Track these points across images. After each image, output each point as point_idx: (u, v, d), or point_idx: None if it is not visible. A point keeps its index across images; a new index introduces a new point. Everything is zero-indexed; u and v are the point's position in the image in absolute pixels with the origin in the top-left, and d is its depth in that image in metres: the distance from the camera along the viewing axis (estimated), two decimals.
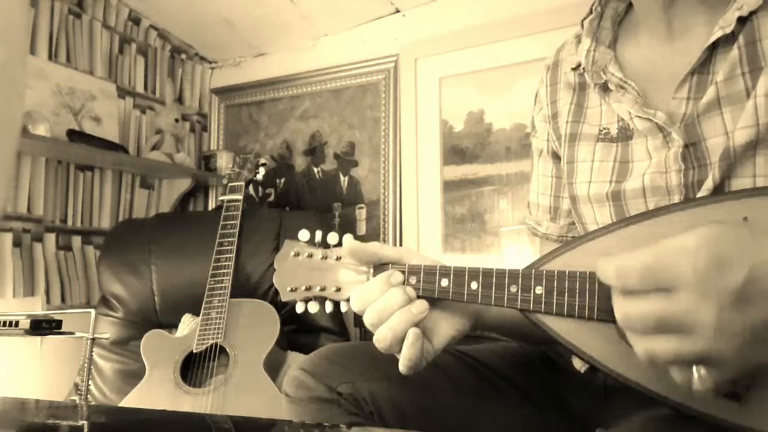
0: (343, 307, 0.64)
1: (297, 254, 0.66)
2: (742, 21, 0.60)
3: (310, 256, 0.66)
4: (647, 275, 0.44)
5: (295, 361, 1.32)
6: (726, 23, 0.60)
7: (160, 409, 1.14)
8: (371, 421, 0.71)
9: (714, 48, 0.62)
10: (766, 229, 0.49)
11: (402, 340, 0.58)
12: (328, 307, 0.65)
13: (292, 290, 0.66)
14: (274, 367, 1.45)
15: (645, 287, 0.44)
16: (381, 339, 0.59)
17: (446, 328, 0.63)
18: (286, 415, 0.73)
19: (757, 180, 0.58)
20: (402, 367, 0.59)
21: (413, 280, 0.61)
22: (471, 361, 0.79)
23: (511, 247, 1.73)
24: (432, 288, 0.60)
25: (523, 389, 0.78)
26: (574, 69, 0.77)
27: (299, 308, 0.66)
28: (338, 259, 0.64)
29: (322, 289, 0.64)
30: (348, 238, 0.63)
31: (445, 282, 0.60)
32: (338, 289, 0.64)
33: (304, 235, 0.66)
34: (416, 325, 0.58)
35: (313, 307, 0.65)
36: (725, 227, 0.45)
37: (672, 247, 0.44)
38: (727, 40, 0.61)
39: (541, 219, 0.86)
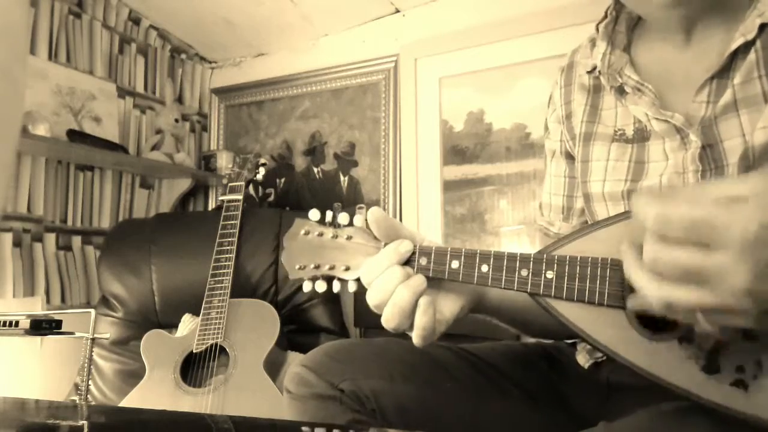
0: (351, 287, 0.64)
1: (307, 233, 0.66)
2: (761, 27, 0.60)
3: (321, 234, 0.65)
4: (691, 229, 0.43)
5: (295, 361, 1.32)
6: (747, 30, 0.60)
7: (160, 409, 1.14)
8: (373, 418, 0.71)
9: (734, 54, 0.62)
10: None
11: (409, 314, 0.58)
12: (336, 286, 0.64)
13: (300, 268, 0.65)
14: (274, 367, 1.45)
15: (685, 239, 0.43)
16: (389, 318, 0.59)
17: (455, 298, 0.64)
18: (287, 412, 0.73)
19: None
20: (416, 338, 0.59)
21: (424, 260, 0.61)
22: (473, 359, 0.79)
23: (511, 247, 1.73)
24: (442, 269, 0.60)
25: (525, 387, 0.78)
26: (589, 72, 0.77)
27: (306, 287, 0.65)
28: (349, 238, 0.64)
29: (331, 268, 0.64)
30: (360, 217, 0.64)
31: (455, 264, 0.60)
32: (347, 268, 0.63)
33: (314, 214, 0.66)
34: (422, 294, 0.58)
35: (321, 286, 0.64)
36: None
37: (725, 206, 0.42)
38: (747, 45, 0.61)
39: (553, 219, 0.86)
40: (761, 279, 0.41)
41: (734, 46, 0.61)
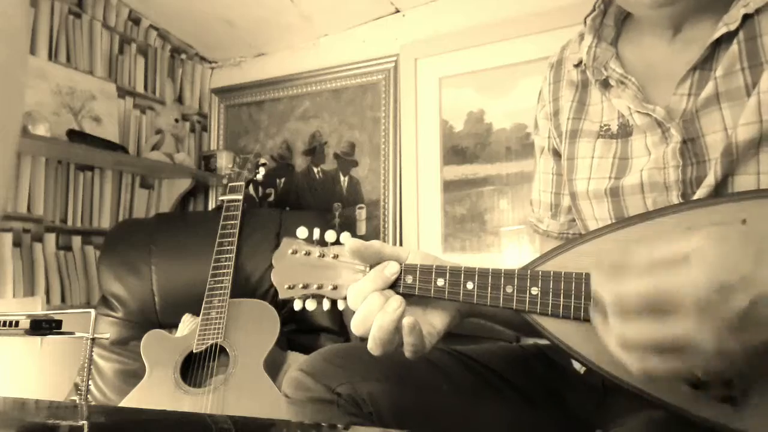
0: (341, 305, 0.64)
1: (295, 252, 0.66)
2: (744, 17, 0.59)
3: (308, 254, 0.66)
4: (646, 303, 0.43)
5: (295, 361, 1.32)
6: (731, 20, 0.60)
7: (160, 409, 1.14)
8: (370, 421, 0.71)
9: (717, 45, 0.62)
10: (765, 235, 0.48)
11: (392, 338, 0.58)
12: (326, 305, 0.65)
13: (289, 288, 0.66)
14: (274, 367, 1.45)
15: (645, 311, 0.43)
16: (372, 346, 0.59)
17: (445, 308, 0.64)
18: (286, 415, 0.73)
19: (761, 177, 0.58)
20: (407, 353, 0.60)
21: (409, 279, 0.61)
22: (470, 362, 0.79)
23: (511, 247, 1.73)
24: (428, 287, 0.61)
25: (521, 389, 0.78)
26: (576, 66, 0.77)
27: (297, 306, 0.66)
28: (336, 257, 0.65)
29: (320, 287, 0.64)
30: (346, 236, 0.63)
31: (440, 282, 0.60)
32: (335, 287, 0.64)
33: (302, 232, 0.67)
34: (402, 317, 0.58)
35: (311, 305, 0.65)
36: (728, 244, 0.43)
37: (673, 272, 0.43)
38: (730, 36, 0.61)
39: (542, 216, 0.87)
40: (729, 336, 0.41)
41: (716, 35, 0.60)
